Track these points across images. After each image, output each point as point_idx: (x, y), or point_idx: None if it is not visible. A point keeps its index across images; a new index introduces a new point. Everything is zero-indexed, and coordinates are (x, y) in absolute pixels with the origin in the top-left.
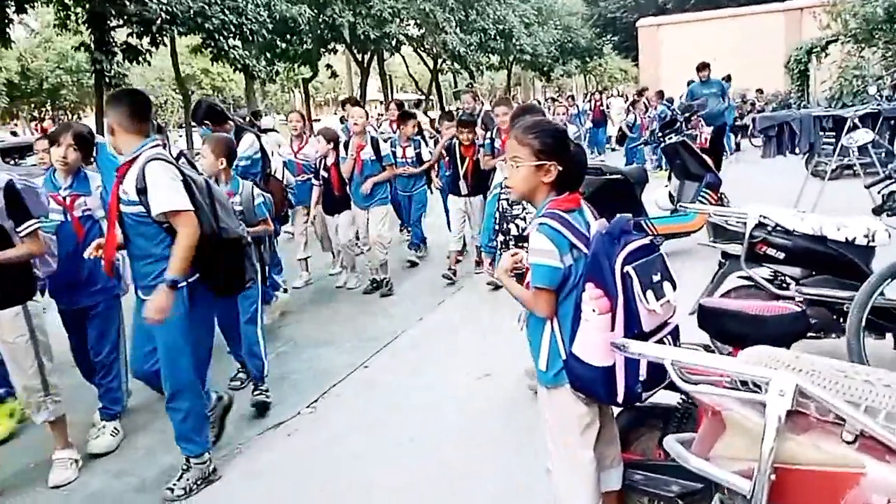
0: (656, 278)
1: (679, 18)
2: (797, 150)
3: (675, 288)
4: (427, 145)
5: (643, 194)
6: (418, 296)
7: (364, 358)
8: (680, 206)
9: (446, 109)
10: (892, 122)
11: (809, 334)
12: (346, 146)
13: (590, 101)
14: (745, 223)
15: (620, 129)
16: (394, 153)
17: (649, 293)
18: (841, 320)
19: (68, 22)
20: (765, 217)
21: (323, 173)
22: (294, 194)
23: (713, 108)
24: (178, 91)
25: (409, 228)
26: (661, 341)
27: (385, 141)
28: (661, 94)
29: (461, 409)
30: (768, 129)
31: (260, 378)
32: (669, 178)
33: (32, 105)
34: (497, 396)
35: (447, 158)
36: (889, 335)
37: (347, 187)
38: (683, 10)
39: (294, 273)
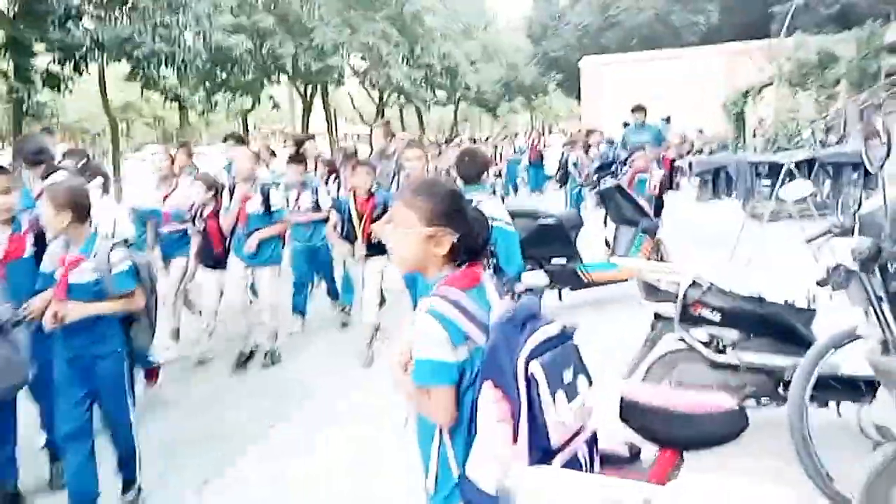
0: (568, 376)
1: (621, 58)
2: (733, 195)
3: (591, 383)
4: (329, 192)
5: (577, 238)
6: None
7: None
8: (612, 259)
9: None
10: (827, 167)
11: (748, 403)
12: (230, 193)
13: (527, 140)
14: (678, 283)
15: (560, 168)
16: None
17: (560, 395)
18: (782, 388)
19: None
20: (699, 276)
21: (200, 224)
22: (162, 247)
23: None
24: (117, 118)
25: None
26: (574, 459)
27: (278, 187)
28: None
29: None
30: (704, 173)
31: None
32: (605, 223)
33: None
34: None
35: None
36: (832, 403)
37: (228, 242)
38: (626, 50)
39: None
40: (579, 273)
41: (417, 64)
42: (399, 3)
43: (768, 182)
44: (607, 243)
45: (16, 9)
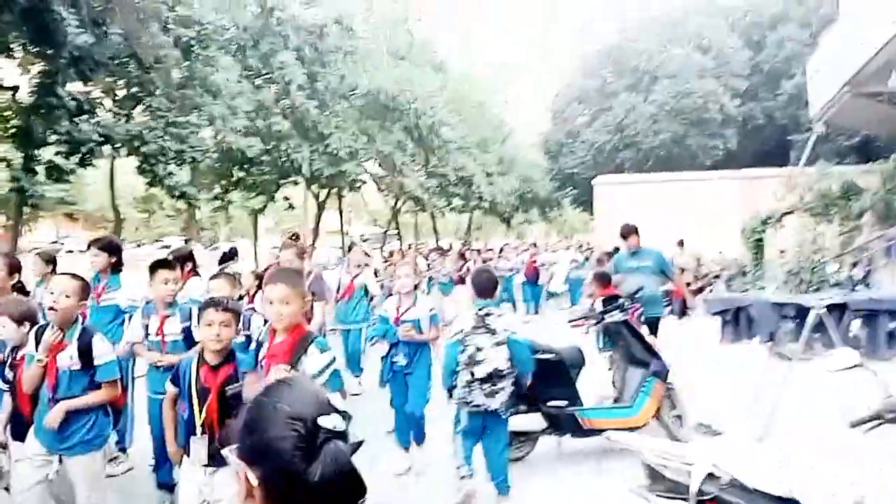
0: None
1: (636, 178)
2: (757, 338)
3: None
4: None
5: (578, 378)
6: None
7: None
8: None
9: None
10: (860, 313)
11: None
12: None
13: (521, 254)
14: (689, 470)
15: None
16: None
17: None
18: None
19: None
20: (717, 466)
21: (9, 374)
22: None
23: (645, 292)
24: (138, 209)
25: None
26: None
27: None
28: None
29: None
30: (723, 313)
31: None
32: (612, 362)
33: None
34: None
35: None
36: None
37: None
38: (641, 170)
39: None
40: (580, 418)
41: (432, 173)
42: (416, 114)
43: (793, 324)
44: (613, 385)
45: (31, 99)
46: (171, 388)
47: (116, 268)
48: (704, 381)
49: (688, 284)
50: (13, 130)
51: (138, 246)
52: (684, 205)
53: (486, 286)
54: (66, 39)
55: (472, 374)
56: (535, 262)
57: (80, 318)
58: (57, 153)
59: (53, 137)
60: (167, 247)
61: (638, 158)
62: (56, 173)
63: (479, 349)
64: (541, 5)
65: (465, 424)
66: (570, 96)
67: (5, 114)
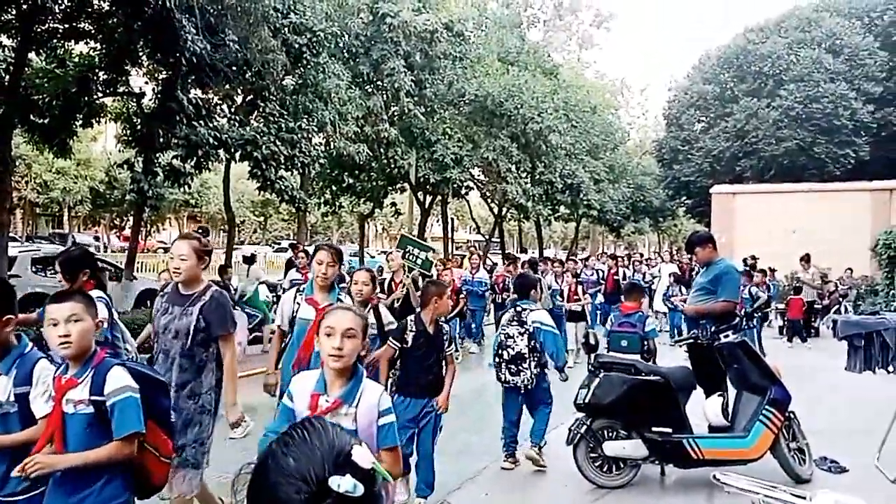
0: None
1: (756, 188)
2: (891, 368)
3: None
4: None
5: (687, 403)
6: None
7: None
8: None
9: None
10: None
11: None
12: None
13: (603, 264)
14: None
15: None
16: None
17: None
18: None
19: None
20: None
21: None
22: None
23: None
24: (255, 213)
25: None
26: None
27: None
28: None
29: None
30: (853, 337)
31: None
32: (724, 387)
33: (114, 213)
34: None
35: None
36: None
37: None
38: (762, 179)
39: None
40: (688, 447)
41: (538, 180)
42: (523, 120)
43: None
44: (724, 412)
45: (154, 105)
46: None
47: None
48: (826, 411)
49: (811, 304)
50: (137, 135)
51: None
52: (810, 217)
53: (524, 288)
54: (186, 47)
55: (502, 357)
56: (614, 274)
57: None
58: (175, 157)
59: (173, 142)
60: (283, 249)
61: (759, 167)
62: (174, 176)
63: (508, 336)
64: (656, 10)
65: (503, 399)
66: (687, 102)
67: (131, 119)
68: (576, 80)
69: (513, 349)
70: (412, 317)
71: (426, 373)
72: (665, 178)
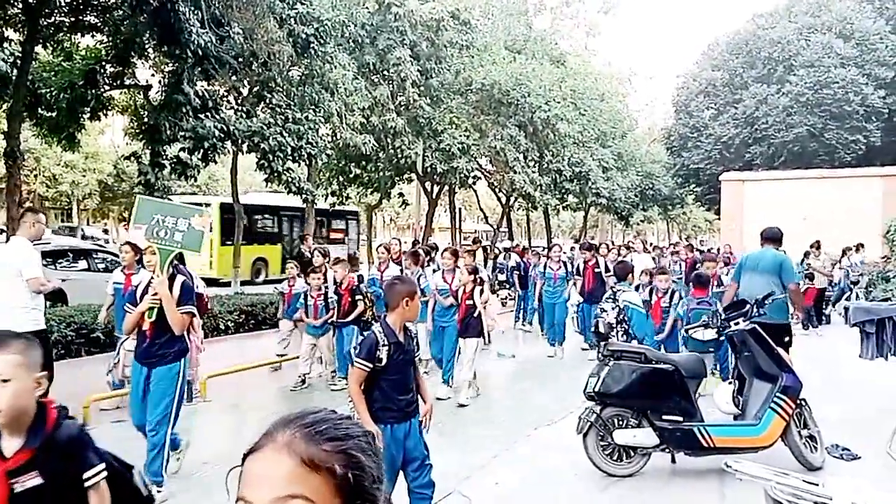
0: None
1: (766, 175)
2: None
3: None
4: None
5: (698, 391)
6: None
7: None
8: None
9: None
10: None
11: None
12: None
13: (571, 254)
14: None
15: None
16: None
17: None
18: None
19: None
20: None
21: None
22: None
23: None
24: None
25: None
26: None
27: None
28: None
29: None
30: (865, 323)
31: None
32: (734, 375)
33: (123, 206)
34: None
35: None
36: None
37: None
38: (772, 166)
39: None
40: (698, 435)
41: (546, 169)
42: (531, 109)
43: None
44: (735, 401)
45: (160, 98)
46: None
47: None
48: (838, 399)
49: (823, 291)
50: (144, 128)
51: None
52: (820, 204)
53: (622, 273)
54: (191, 39)
55: (595, 327)
56: (594, 267)
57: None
58: (182, 149)
59: (180, 134)
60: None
61: (769, 154)
62: (181, 168)
63: (603, 310)
64: None
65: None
66: (695, 89)
67: (139, 112)
68: (583, 67)
69: (603, 319)
70: (378, 326)
71: (402, 390)
72: (674, 165)
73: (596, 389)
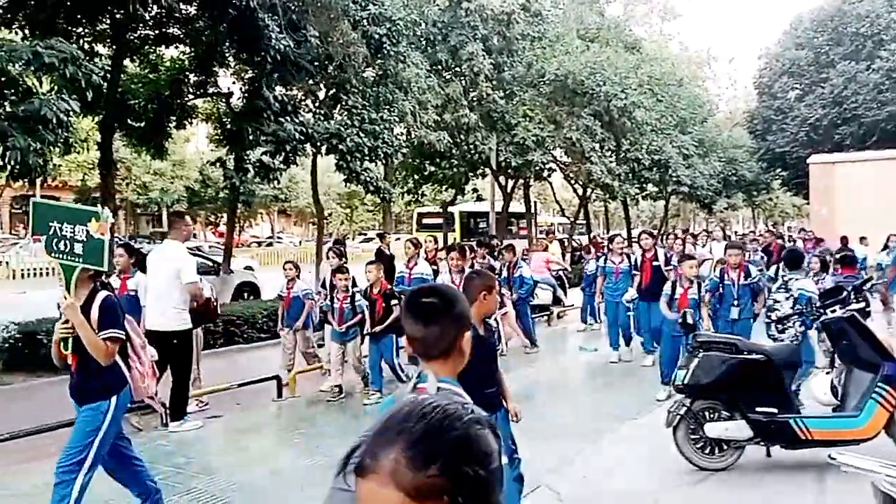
0: None
1: (858, 156)
2: None
3: None
4: None
5: (794, 383)
6: None
7: None
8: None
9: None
10: None
11: None
12: None
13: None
14: None
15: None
16: None
17: None
18: None
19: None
20: None
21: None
22: None
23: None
24: (342, 205)
25: None
26: None
27: None
28: (844, 239)
29: None
30: None
31: None
32: (832, 364)
33: (209, 210)
34: None
35: None
36: None
37: None
38: (863, 147)
39: None
40: (795, 427)
41: (624, 158)
42: (606, 97)
43: None
44: (834, 390)
45: (242, 104)
46: None
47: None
48: None
49: None
50: (227, 134)
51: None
52: None
53: (793, 261)
54: (270, 45)
55: (770, 318)
56: (652, 259)
57: None
58: (264, 153)
59: (261, 139)
60: (369, 239)
61: (860, 134)
62: (264, 172)
63: (776, 301)
64: None
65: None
66: (779, 69)
67: (221, 119)
68: (659, 53)
69: (779, 311)
70: None
71: (487, 385)
72: (758, 149)
73: (685, 381)
